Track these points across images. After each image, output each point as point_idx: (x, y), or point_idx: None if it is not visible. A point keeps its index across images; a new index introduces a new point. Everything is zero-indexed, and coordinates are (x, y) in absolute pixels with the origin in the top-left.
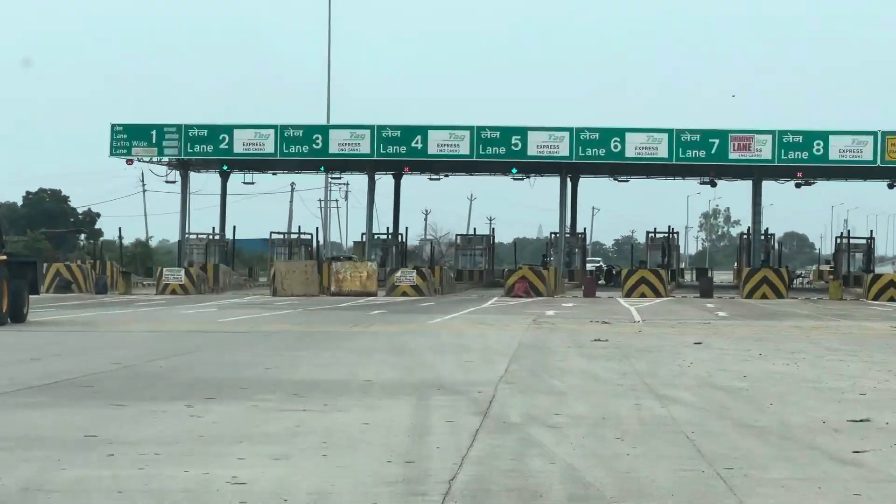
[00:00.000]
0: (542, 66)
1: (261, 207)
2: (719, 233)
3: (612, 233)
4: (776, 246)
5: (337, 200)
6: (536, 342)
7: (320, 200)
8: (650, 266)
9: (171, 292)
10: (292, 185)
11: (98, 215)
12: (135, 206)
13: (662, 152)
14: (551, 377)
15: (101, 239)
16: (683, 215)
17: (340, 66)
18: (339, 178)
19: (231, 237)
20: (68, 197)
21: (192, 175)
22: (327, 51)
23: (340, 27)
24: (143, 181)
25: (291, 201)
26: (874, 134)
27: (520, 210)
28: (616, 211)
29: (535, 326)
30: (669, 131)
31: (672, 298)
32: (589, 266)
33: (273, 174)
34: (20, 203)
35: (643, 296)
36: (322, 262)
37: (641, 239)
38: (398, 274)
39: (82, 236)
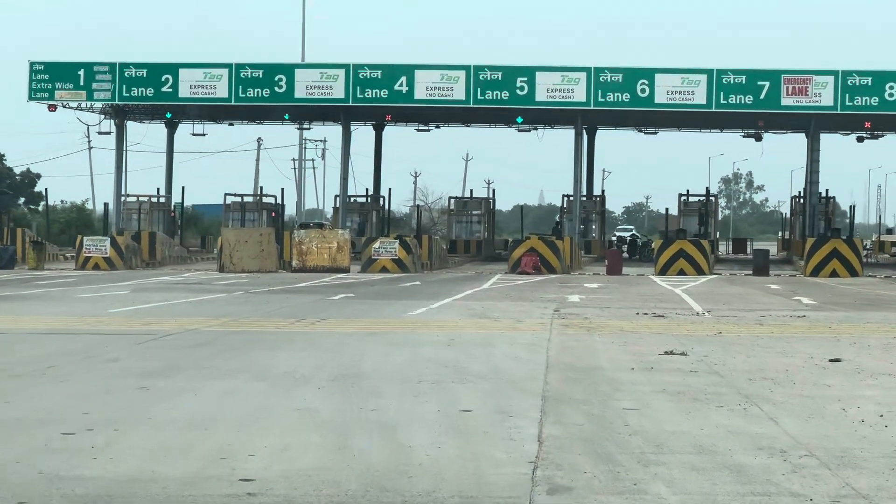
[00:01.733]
0: None
1: (228, 169)
2: (741, 199)
3: (621, 199)
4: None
5: (313, 160)
6: (575, 358)
7: (294, 160)
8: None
9: (93, 267)
10: (258, 140)
11: (38, 176)
12: (81, 165)
13: (700, 98)
14: (639, 466)
15: (43, 204)
16: (699, 180)
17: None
18: (308, 128)
19: (180, 201)
20: (3, 155)
21: (132, 126)
22: None
23: None
24: (87, 136)
25: (258, 159)
26: None
27: (520, 173)
28: (623, 174)
29: (562, 323)
30: (709, 72)
31: (719, 277)
32: (616, 235)
33: (230, 124)
34: None
35: (681, 273)
36: (283, 230)
37: (658, 207)
38: (376, 245)
39: (21, 200)
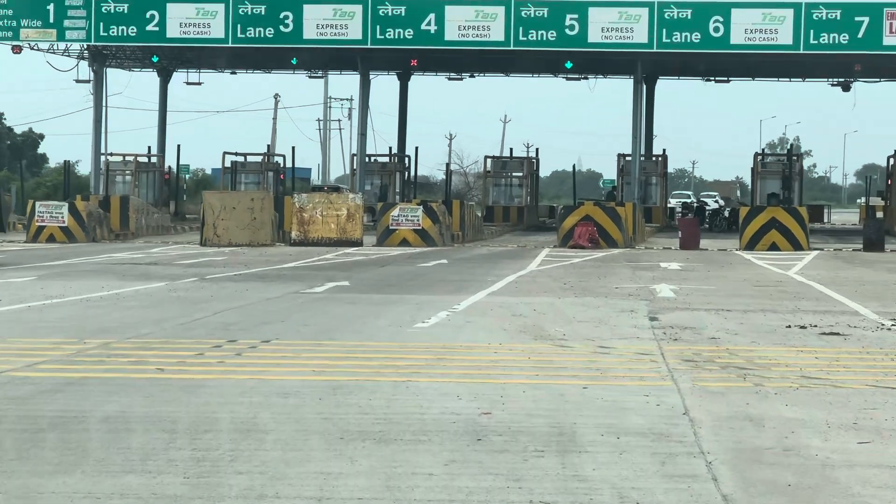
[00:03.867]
0: None
1: (247, 130)
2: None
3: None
4: None
5: (339, 121)
6: (758, 458)
7: (318, 120)
8: (769, 205)
9: (46, 239)
10: (276, 96)
11: (42, 137)
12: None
13: (785, 37)
14: None
15: (46, 166)
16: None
17: None
18: (319, 75)
19: (176, 161)
20: (2, 115)
21: (117, 74)
22: None
23: None
24: (93, 93)
25: (275, 118)
26: None
27: (562, 138)
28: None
29: (682, 356)
30: (796, 5)
31: (823, 253)
32: (674, 202)
33: (232, 73)
34: None
35: (774, 248)
36: (282, 195)
37: (703, 174)
38: (395, 212)
39: (24, 162)
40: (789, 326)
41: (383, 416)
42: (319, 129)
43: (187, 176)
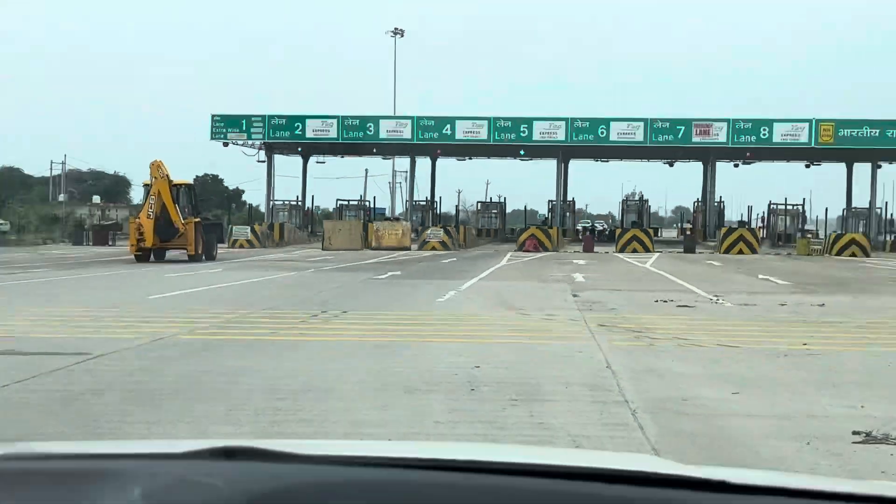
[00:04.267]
0: (543, 66)
1: (349, 187)
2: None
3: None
4: (723, 210)
5: (400, 183)
6: (667, 407)
7: (389, 183)
8: (630, 228)
9: (239, 246)
10: (365, 170)
11: (243, 191)
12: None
13: (640, 137)
14: None
15: (246, 207)
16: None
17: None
18: (388, 158)
19: (310, 204)
20: (223, 179)
21: (282, 159)
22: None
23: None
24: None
25: (365, 183)
26: (809, 121)
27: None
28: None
29: (599, 322)
30: (645, 120)
31: (662, 254)
32: (580, 226)
33: (341, 157)
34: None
35: (634, 251)
36: (368, 222)
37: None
38: (428, 232)
39: (233, 206)
40: (657, 301)
41: (410, 370)
42: (389, 186)
43: (319, 211)
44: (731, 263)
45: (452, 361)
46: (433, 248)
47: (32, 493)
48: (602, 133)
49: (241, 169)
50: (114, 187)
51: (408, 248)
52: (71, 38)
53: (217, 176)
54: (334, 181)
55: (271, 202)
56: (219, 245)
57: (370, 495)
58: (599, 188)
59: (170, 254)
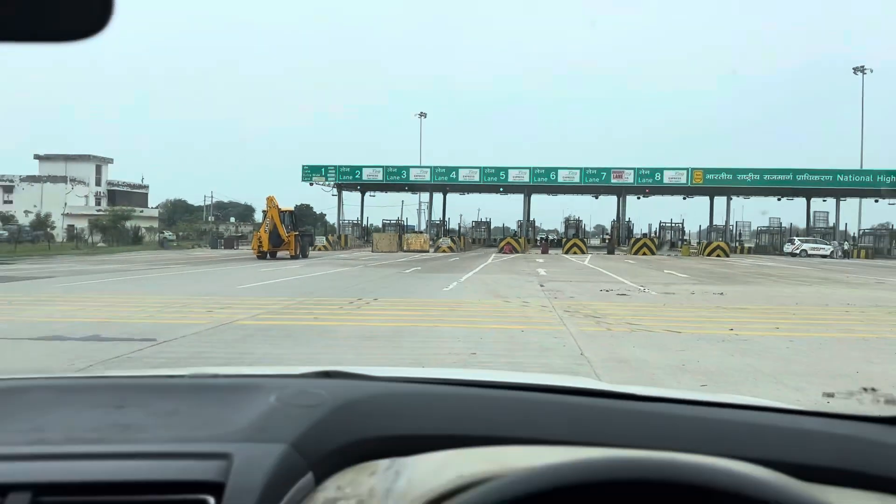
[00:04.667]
0: (511, 130)
1: (391, 213)
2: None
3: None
4: (634, 228)
5: (423, 210)
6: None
7: (417, 209)
8: (571, 237)
9: (318, 250)
10: (402, 201)
11: (325, 214)
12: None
13: (576, 179)
14: None
15: (326, 224)
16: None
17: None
18: (415, 194)
19: (365, 223)
20: (312, 206)
21: (347, 193)
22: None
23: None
24: (337, 200)
25: (402, 207)
26: (687, 169)
27: (501, 213)
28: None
29: (565, 309)
30: (581, 168)
31: (594, 255)
32: (539, 237)
33: (385, 192)
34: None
35: (574, 253)
36: (402, 234)
37: (545, 226)
38: (440, 240)
39: (318, 224)
40: (601, 290)
41: (419, 354)
42: (417, 211)
43: (371, 226)
44: (642, 261)
45: (453, 347)
46: (443, 251)
47: (210, 395)
48: (553, 177)
49: (323, 200)
50: (244, 212)
51: (427, 251)
52: (227, 111)
53: (309, 205)
54: (380, 208)
55: (341, 221)
56: (309, 247)
57: (428, 402)
58: (550, 212)
59: (280, 254)
